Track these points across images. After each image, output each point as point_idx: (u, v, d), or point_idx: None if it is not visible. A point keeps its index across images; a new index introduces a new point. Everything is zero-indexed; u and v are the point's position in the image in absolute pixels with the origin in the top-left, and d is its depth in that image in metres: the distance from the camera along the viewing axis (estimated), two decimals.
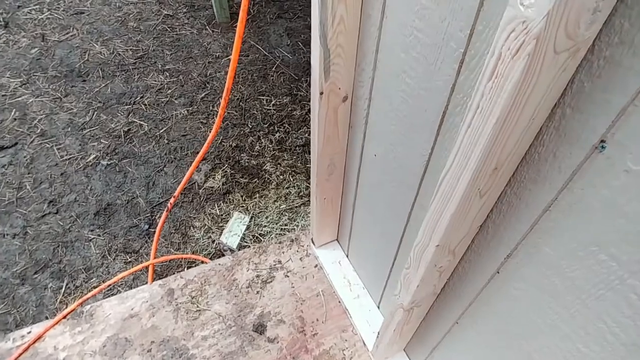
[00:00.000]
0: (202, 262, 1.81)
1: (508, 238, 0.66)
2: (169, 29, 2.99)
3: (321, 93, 0.98)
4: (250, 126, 2.46)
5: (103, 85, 2.59)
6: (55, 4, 3.08)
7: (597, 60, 0.44)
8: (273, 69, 2.81)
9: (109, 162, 2.23)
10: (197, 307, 1.44)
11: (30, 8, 3.04)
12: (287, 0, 3.37)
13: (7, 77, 2.57)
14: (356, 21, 0.87)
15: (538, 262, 0.62)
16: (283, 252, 1.62)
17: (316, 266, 1.58)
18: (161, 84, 2.64)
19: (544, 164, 0.55)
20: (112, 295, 1.73)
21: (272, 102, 2.60)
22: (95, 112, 2.45)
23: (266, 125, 2.47)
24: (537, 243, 0.61)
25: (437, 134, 0.75)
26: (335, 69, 0.94)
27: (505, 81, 0.42)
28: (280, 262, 1.59)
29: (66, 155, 2.24)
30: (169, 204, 1.71)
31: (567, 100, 0.48)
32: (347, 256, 1.56)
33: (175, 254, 1.91)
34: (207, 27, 3.03)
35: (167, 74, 2.70)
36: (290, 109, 2.58)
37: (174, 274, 1.85)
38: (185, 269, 1.87)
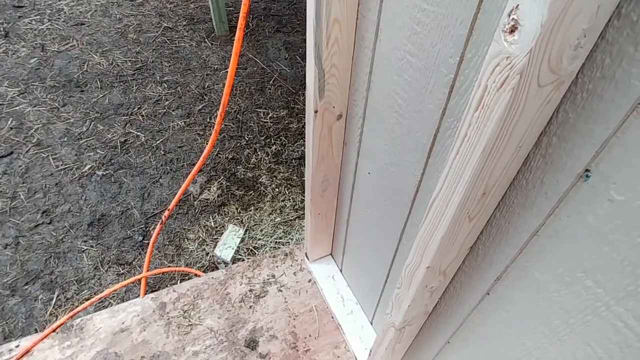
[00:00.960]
0: (196, 275, 1.80)
1: (498, 261, 0.67)
2: (168, 41, 3.02)
3: (316, 111, 0.99)
4: (247, 138, 2.47)
5: (101, 95, 2.60)
6: (56, 15, 3.11)
7: (580, 92, 0.45)
8: (270, 82, 2.84)
9: (104, 173, 2.23)
10: (189, 321, 1.42)
11: (30, 18, 3.06)
12: (285, 14, 3.42)
13: (5, 87, 2.57)
14: (350, 43, 0.88)
15: (527, 286, 0.63)
16: (277, 266, 1.62)
17: (310, 281, 1.57)
18: (159, 95, 2.65)
19: (531, 190, 0.56)
20: (104, 308, 1.71)
21: (269, 115, 2.62)
22: (93, 122, 2.45)
23: (263, 138, 2.48)
24: (525, 267, 0.62)
25: (429, 156, 0.76)
26: (329, 88, 0.95)
27: (491, 112, 0.43)
28: (273, 276, 1.58)
29: (61, 165, 2.24)
30: (163, 217, 1.70)
31: (553, 129, 0.50)
32: (341, 271, 1.56)
33: (169, 266, 1.89)
34: (206, 40, 3.06)
35: (165, 86, 2.72)
36: (287, 121, 2.60)
37: (166, 286, 1.84)
38: (179, 281, 1.86)
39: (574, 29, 0.38)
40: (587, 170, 0.48)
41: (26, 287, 1.78)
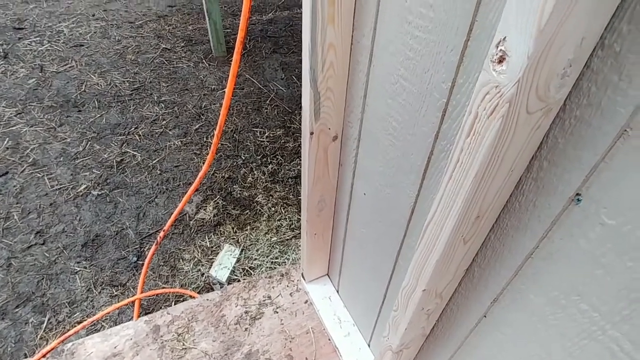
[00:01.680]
0: (190, 296, 1.78)
1: (493, 283, 0.67)
2: (166, 62, 3.06)
3: (311, 133, 1.01)
4: (244, 158, 2.48)
5: (98, 115, 2.62)
6: (56, 36, 3.16)
7: (568, 118, 0.46)
8: (267, 101, 2.87)
9: (99, 193, 2.22)
10: (183, 345, 1.40)
11: (30, 40, 3.10)
12: (282, 36, 3.49)
13: (3, 107, 2.59)
14: (345, 67, 0.90)
15: (523, 308, 0.63)
16: (273, 287, 1.60)
17: (306, 302, 1.55)
18: (156, 115, 2.67)
19: (524, 213, 0.56)
20: (96, 331, 1.68)
21: (266, 134, 2.64)
22: (89, 142, 2.46)
23: (259, 157, 2.49)
24: (521, 289, 0.62)
25: (423, 178, 0.77)
26: (325, 111, 0.97)
27: (482, 139, 0.44)
28: (269, 297, 1.57)
29: (57, 185, 2.23)
30: (158, 238, 1.69)
31: (544, 153, 0.51)
32: (338, 291, 1.54)
33: (163, 287, 1.87)
34: (203, 60, 3.10)
35: (163, 106, 2.74)
36: (283, 141, 2.61)
37: (161, 308, 1.81)
38: (173, 303, 1.83)
39: (560, 60, 0.40)
40: (577, 194, 0.49)
41: (17, 310, 1.74)
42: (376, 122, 0.88)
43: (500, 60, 0.39)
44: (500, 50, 0.38)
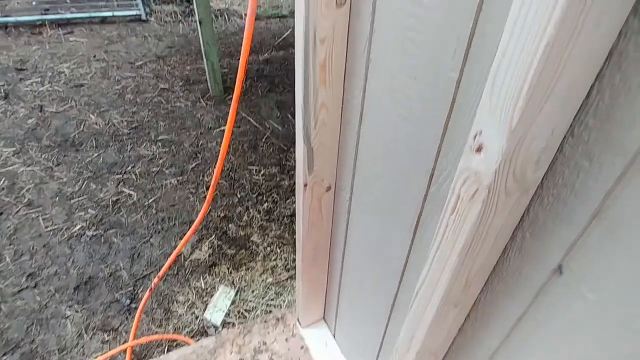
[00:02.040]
0: (184, 342, 1.74)
1: (487, 344, 0.67)
2: (164, 101, 3.13)
3: (305, 185, 1.03)
4: (239, 196, 2.49)
5: (95, 155, 2.65)
6: (57, 77, 3.24)
7: (547, 196, 0.49)
8: (263, 139, 2.93)
9: (94, 233, 2.21)
10: None
11: (32, 80, 3.18)
12: (277, 75, 3.60)
13: (1, 147, 2.61)
14: (337, 124, 0.94)
15: None
16: (268, 333, 1.57)
17: (302, 347, 1.52)
18: (153, 154, 2.70)
19: (511, 279, 0.58)
20: None
21: (262, 172, 2.67)
22: (85, 182, 2.47)
23: (255, 195, 2.51)
24: (513, 349, 0.62)
25: (414, 235, 0.78)
26: (318, 164, 1.00)
27: (465, 218, 0.46)
28: (265, 343, 1.54)
29: (51, 225, 2.22)
30: (152, 284, 1.67)
31: (526, 226, 0.53)
32: (334, 336, 1.52)
33: (156, 332, 1.83)
34: (201, 99, 3.18)
35: (160, 144, 2.78)
36: (278, 179, 2.64)
37: (154, 354, 1.77)
38: (166, 348, 1.79)
39: (534, 149, 0.43)
40: (560, 266, 0.50)
41: (4, 357, 1.70)
42: (367, 179, 0.90)
43: (478, 149, 0.42)
44: (477, 141, 0.41)
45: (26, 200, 2.33)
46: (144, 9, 4.12)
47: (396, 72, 0.70)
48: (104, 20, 4.11)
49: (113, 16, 4.07)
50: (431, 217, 0.72)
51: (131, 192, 2.44)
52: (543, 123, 0.40)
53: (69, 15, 3.96)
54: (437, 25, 0.55)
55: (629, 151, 0.39)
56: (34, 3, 4.19)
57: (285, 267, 2.13)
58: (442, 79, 0.59)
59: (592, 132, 0.42)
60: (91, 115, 2.92)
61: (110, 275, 2.03)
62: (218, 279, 2.07)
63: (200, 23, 2.83)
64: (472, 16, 0.48)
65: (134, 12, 4.11)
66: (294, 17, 0.82)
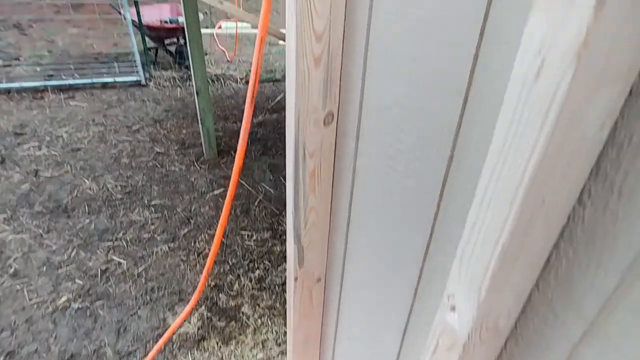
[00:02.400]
0: None
1: None
2: (159, 165, 3.19)
3: (296, 278, 1.05)
4: (231, 263, 2.48)
5: (87, 221, 2.65)
6: (55, 141, 3.31)
7: (520, 336, 0.52)
8: (255, 203, 2.96)
9: (80, 305, 2.16)
10: None
11: (29, 145, 3.24)
12: (270, 138, 3.72)
13: None
14: (326, 224, 0.98)
15: None
16: None
17: None
18: (145, 220, 2.71)
19: None
20: None
21: (253, 237, 2.68)
22: (75, 250, 2.45)
23: (246, 262, 2.50)
24: None
25: (404, 335, 0.80)
26: (308, 259, 1.03)
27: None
28: None
29: (36, 297, 2.17)
30: None
31: (509, 348, 0.55)
32: None
33: None
34: (195, 163, 3.25)
35: (153, 209, 2.80)
36: (270, 244, 2.65)
37: None
38: None
39: (503, 306, 0.46)
40: None
41: None
42: (358, 270, 0.93)
43: (452, 308, 0.45)
44: (451, 302, 0.45)
45: (12, 270, 2.29)
46: (144, 75, 4.32)
47: (379, 191, 0.76)
48: (105, 85, 4.28)
49: (114, 82, 4.25)
50: (421, 319, 0.74)
51: (121, 260, 2.42)
52: (510, 291, 0.44)
53: (71, 81, 4.13)
54: (414, 167, 0.62)
55: (588, 315, 0.43)
56: (38, 69, 4.38)
57: (276, 341, 2.07)
58: (422, 204, 0.64)
59: (555, 290, 0.46)
60: (86, 180, 2.96)
61: (94, 353, 1.96)
62: (207, 354, 2.00)
63: (197, 93, 2.98)
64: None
65: (134, 78, 4.31)
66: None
